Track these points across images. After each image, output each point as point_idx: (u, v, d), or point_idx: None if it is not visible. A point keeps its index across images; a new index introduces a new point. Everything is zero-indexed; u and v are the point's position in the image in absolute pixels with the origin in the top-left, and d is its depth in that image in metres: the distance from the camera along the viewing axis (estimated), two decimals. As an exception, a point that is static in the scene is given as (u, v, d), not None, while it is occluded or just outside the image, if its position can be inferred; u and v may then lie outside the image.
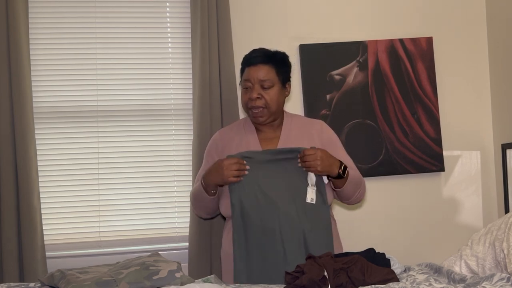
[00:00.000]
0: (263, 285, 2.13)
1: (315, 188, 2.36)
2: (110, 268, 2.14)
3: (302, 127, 2.54)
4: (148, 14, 3.13)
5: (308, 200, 2.34)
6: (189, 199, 2.95)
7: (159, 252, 2.37)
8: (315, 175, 2.36)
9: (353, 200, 2.52)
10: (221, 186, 2.43)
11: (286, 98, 2.56)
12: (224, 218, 2.57)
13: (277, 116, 2.52)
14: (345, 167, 2.39)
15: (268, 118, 2.48)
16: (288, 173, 2.37)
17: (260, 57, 2.47)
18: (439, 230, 3.28)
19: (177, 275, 2.01)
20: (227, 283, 2.18)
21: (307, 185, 2.35)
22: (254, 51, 2.53)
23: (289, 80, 2.56)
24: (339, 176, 2.38)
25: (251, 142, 2.49)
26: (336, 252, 2.36)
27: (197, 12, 2.98)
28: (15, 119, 2.81)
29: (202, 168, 2.57)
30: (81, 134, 3.04)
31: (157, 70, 3.13)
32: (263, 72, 2.44)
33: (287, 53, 2.58)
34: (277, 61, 2.49)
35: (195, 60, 2.99)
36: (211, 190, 2.42)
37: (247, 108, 2.50)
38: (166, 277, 1.99)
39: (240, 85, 2.58)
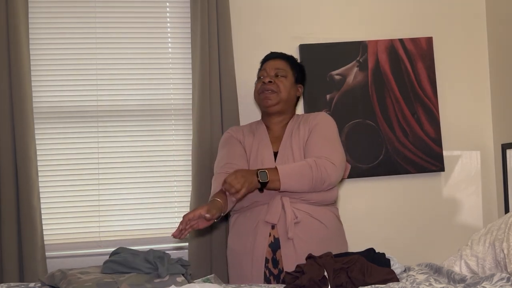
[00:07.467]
0: (263, 285, 2.13)
1: None
2: (110, 268, 2.13)
3: (304, 124, 2.55)
4: (148, 14, 3.13)
5: None
6: (189, 199, 2.97)
7: (159, 252, 2.37)
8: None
9: (311, 189, 2.35)
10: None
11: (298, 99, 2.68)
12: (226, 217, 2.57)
13: (286, 108, 2.59)
14: (264, 173, 2.28)
15: (277, 104, 2.54)
16: None
17: (278, 53, 2.68)
18: (439, 230, 3.27)
19: (178, 279, 2.01)
20: (229, 283, 2.17)
21: None
22: (272, 52, 2.71)
23: (302, 84, 2.68)
24: (264, 184, 2.28)
25: (264, 140, 2.54)
26: (341, 250, 2.36)
27: (197, 12, 2.98)
28: (15, 119, 2.80)
29: (222, 156, 2.54)
30: (81, 134, 3.04)
31: (157, 70, 3.13)
32: (279, 63, 2.61)
33: (286, 53, 2.69)
34: (293, 61, 2.67)
35: (195, 60, 2.99)
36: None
37: (258, 96, 2.59)
38: (167, 281, 1.99)
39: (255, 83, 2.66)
